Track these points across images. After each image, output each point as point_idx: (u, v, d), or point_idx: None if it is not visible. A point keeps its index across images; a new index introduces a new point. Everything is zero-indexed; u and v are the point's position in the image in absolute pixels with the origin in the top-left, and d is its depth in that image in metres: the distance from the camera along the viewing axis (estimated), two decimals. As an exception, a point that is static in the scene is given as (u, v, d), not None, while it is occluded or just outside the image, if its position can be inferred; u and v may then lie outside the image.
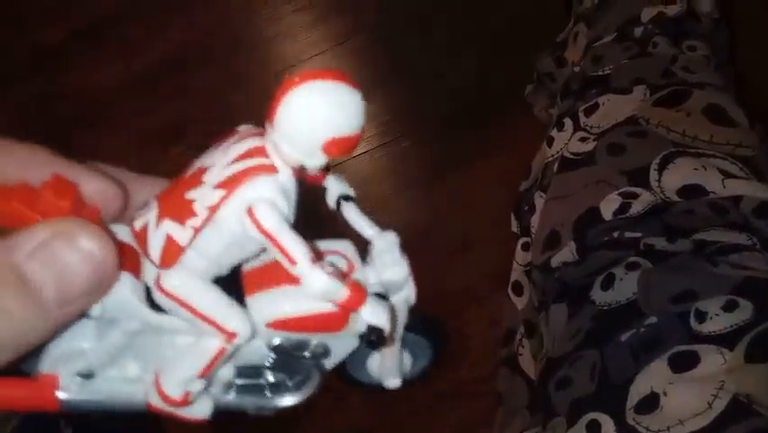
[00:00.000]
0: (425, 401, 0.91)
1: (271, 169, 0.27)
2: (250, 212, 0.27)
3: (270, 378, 0.33)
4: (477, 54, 1.17)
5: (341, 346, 0.32)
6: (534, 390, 0.78)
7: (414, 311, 0.34)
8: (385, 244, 0.34)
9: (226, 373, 0.32)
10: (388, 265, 0.33)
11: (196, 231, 0.28)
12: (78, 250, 0.25)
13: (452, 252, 1.00)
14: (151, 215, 0.29)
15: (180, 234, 0.28)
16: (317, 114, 0.26)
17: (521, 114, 1.06)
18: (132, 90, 1.29)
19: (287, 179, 0.28)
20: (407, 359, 0.37)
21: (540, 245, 0.76)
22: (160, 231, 0.28)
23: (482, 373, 0.88)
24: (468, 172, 1.06)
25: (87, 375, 0.31)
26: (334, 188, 0.34)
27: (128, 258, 0.29)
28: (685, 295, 0.60)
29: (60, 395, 0.30)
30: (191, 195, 0.28)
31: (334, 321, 0.30)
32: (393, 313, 0.31)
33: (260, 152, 0.28)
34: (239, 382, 0.32)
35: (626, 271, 0.65)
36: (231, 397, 0.32)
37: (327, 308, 0.30)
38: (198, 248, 0.28)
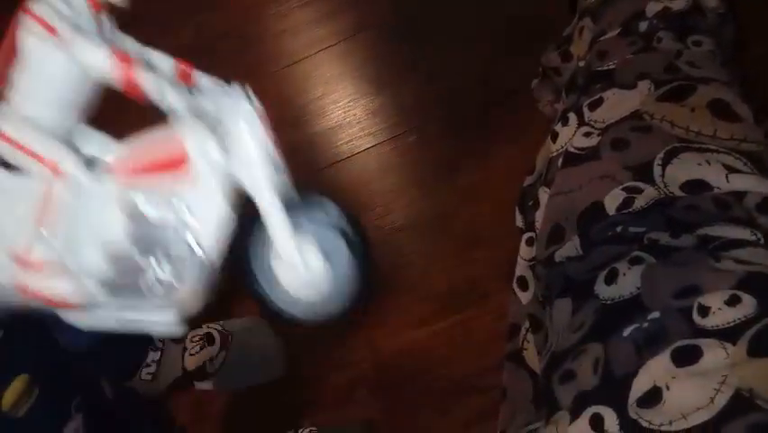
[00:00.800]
0: (430, 396, 0.91)
1: None
2: (27, 11, 0.28)
3: (145, 265, 0.30)
4: (484, 50, 1.17)
5: (203, 208, 0.30)
6: (538, 384, 0.78)
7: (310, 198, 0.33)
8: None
9: (94, 260, 0.30)
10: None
11: (10, 61, 0.29)
12: None
13: (457, 246, 1.01)
14: None
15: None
16: None
17: (527, 109, 1.06)
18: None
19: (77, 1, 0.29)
20: (320, 267, 0.34)
21: (544, 240, 0.76)
22: None
23: (487, 367, 0.88)
24: (474, 168, 1.06)
25: None
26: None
27: None
28: (688, 290, 0.60)
29: None
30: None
31: (173, 154, 0.30)
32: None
33: None
34: (113, 273, 0.30)
35: (630, 265, 0.66)
36: (111, 299, 0.31)
37: (162, 138, 0.30)
38: (18, 85, 0.29)
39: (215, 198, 0.31)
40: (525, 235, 0.87)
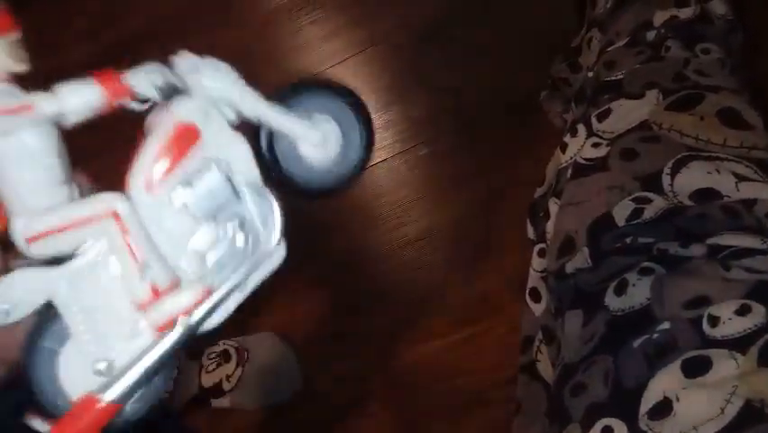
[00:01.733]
0: (443, 409, 0.91)
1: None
2: None
3: (229, 230, 0.34)
4: (494, 63, 1.17)
5: (229, 152, 0.34)
6: (552, 397, 0.78)
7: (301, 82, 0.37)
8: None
9: (192, 263, 0.33)
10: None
11: None
12: None
13: (470, 259, 1.01)
14: None
15: None
16: None
17: (538, 121, 1.07)
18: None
19: None
20: (330, 129, 0.38)
21: (555, 252, 0.76)
22: None
23: (501, 380, 0.88)
24: (485, 180, 1.06)
25: (107, 368, 0.32)
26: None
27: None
28: (698, 300, 0.60)
29: (105, 399, 0.32)
30: None
31: (184, 136, 0.32)
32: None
33: None
34: (213, 259, 0.33)
35: (640, 276, 0.65)
36: (225, 274, 0.34)
37: (168, 129, 0.32)
38: (11, 189, 0.30)
39: (231, 136, 0.34)
40: (537, 247, 0.87)
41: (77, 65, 1.39)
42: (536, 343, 0.84)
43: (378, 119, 1.19)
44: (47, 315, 0.31)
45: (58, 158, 0.31)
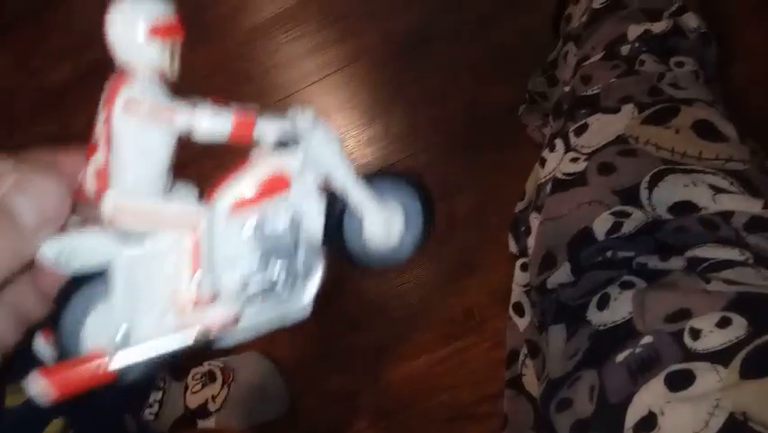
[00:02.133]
0: (431, 424, 0.91)
1: (127, 78, 0.33)
2: (127, 103, 0.32)
3: (275, 273, 0.37)
4: (472, 77, 1.18)
5: (307, 209, 0.37)
6: (539, 411, 0.78)
7: (384, 170, 0.40)
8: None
9: (231, 285, 0.36)
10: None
11: (107, 150, 0.32)
12: (48, 180, 0.31)
13: (453, 274, 1.01)
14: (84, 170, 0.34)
15: (99, 159, 0.33)
16: (121, 14, 0.32)
17: (516, 135, 1.07)
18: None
19: (148, 79, 0.33)
20: (398, 215, 0.41)
21: (536, 267, 0.77)
22: (89, 173, 0.33)
23: (487, 394, 0.89)
24: (466, 194, 1.07)
25: (125, 339, 0.34)
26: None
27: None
28: (679, 313, 0.60)
29: (112, 365, 0.34)
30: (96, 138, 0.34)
31: (277, 181, 0.36)
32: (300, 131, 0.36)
33: (119, 75, 0.33)
34: (249, 291, 0.36)
35: (621, 290, 0.66)
36: (252, 309, 0.37)
37: (266, 171, 0.35)
38: (120, 166, 0.33)
39: (315, 197, 0.37)
40: (519, 261, 0.88)
41: (59, 82, 1.39)
42: (522, 357, 0.84)
43: (358, 135, 1.20)
44: (95, 275, 0.34)
45: (168, 157, 0.34)
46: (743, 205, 0.67)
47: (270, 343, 0.98)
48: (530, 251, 0.81)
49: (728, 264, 0.64)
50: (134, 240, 0.33)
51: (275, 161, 0.36)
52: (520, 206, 0.91)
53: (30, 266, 0.33)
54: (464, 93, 1.17)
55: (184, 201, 0.34)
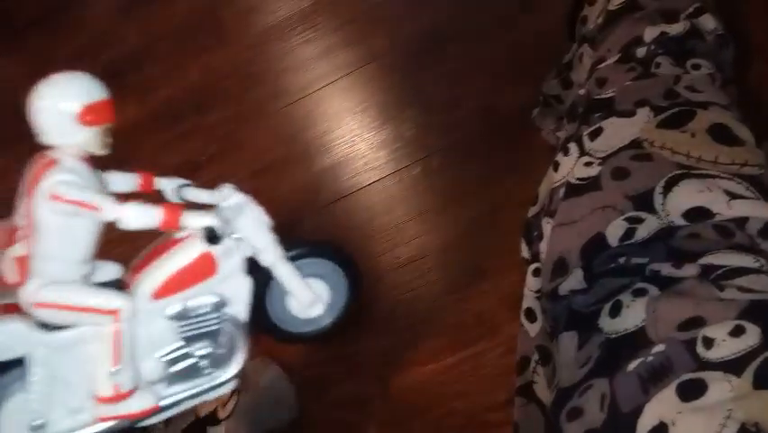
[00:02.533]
0: (441, 431, 0.91)
1: (52, 163, 0.33)
2: (52, 196, 0.32)
3: (199, 352, 0.37)
4: (484, 80, 1.17)
5: (233, 290, 0.37)
6: (550, 418, 0.77)
7: (307, 240, 0.42)
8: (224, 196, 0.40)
9: (154, 367, 0.35)
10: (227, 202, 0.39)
11: (29, 240, 0.32)
12: None
13: (464, 279, 1.00)
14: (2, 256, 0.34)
15: (19, 250, 0.33)
16: (51, 96, 0.32)
17: (530, 138, 1.06)
18: (150, 129, 1.31)
19: (73, 163, 0.33)
20: (323, 289, 0.43)
21: (548, 273, 0.76)
22: (8, 260, 0.34)
23: (498, 401, 0.88)
24: (480, 198, 1.06)
25: (40, 426, 0.33)
26: (167, 183, 0.41)
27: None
28: (692, 321, 0.59)
29: None
30: (17, 223, 0.34)
31: (203, 266, 0.36)
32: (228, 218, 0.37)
33: (44, 158, 0.33)
34: (173, 370, 0.36)
35: (634, 297, 0.65)
36: (175, 388, 0.36)
37: (190, 257, 0.35)
38: (42, 254, 0.32)
39: (242, 278, 0.38)
40: (532, 267, 0.87)
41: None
42: (533, 364, 0.83)
43: (371, 139, 1.19)
44: (12, 363, 0.33)
45: (93, 243, 0.34)
46: (758, 210, 0.66)
47: (280, 349, 0.97)
48: (542, 256, 0.80)
49: (742, 272, 0.62)
50: (54, 330, 0.33)
51: (201, 245, 0.36)
52: (533, 210, 0.90)
53: None
54: (478, 96, 1.16)
55: (105, 292, 0.34)
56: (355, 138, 1.20)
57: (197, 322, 0.36)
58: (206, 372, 0.37)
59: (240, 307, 0.38)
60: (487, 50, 1.19)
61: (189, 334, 0.36)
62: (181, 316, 0.35)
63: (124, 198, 0.36)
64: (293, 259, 0.40)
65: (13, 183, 1.23)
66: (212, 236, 0.35)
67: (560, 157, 0.83)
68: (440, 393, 0.93)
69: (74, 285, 0.33)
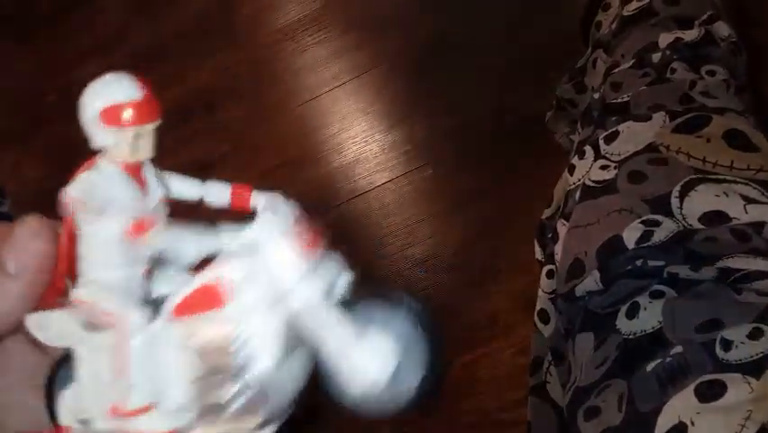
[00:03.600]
0: (454, 430, 0.91)
1: (89, 165, 0.31)
2: (74, 205, 0.31)
3: (226, 396, 0.31)
4: (497, 82, 1.18)
5: (252, 327, 0.30)
6: (563, 418, 0.78)
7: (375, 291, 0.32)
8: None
9: (180, 394, 0.32)
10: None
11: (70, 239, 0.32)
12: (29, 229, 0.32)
13: (477, 280, 1.01)
14: None
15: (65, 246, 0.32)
16: (85, 96, 0.31)
17: (542, 141, 1.07)
18: (162, 128, 1.32)
19: (107, 169, 0.31)
20: (388, 350, 0.31)
21: (564, 274, 0.76)
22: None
23: (511, 401, 0.88)
24: (491, 201, 1.07)
25: (84, 421, 0.33)
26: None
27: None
28: (710, 324, 0.60)
29: None
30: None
31: (214, 295, 0.30)
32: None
33: (88, 158, 0.31)
34: (200, 402, 0.32)
35: (651, 299, 0.66)
36: (201, 420, 0.32)
37: (201, 283, 0.31)
38: (86, 258, 0.31)
39: (261, 319, 0.31)
40: (545, 268, 0.87)
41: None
42: (546, 364, 0.84)
43: (382, 140, 1.20)
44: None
45: (123, 249, 0.32)
46: (774, 215, 0.67)
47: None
48: (557, 258, 0.81)
49: (760, 275, 0.63)
50: (94, 330, 0.31)
51: (213, 272, 0.31)
52: (547, 212, 0.91)
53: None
54: (491, 98, 1.17)
55: (126, 299, 0.31)
56: (367, 139, 1.20)
57: (216, 355, 0.31)
58: (228, 412, 0.32)
59: (262, 352, 0.31)
60: (500, 53, 1.20)
61: (209, 367, 0.31)
62: (201, 350, 0.31)
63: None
64: (346, 308, 0.32)
65: (25, 177, 1.23)
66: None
67: (575, 160, 0.83)
68: (453, 392, 0.94)
69: (99, 286, 0.32)
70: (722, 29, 0.87)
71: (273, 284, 0.30)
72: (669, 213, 0.70)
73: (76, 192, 0.31)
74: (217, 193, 0.36)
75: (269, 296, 0.30)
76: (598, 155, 0.80)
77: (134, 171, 0.32)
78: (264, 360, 0.31)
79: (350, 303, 0.32)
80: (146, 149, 0.32)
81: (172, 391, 0.32)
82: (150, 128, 0.32)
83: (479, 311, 0.97)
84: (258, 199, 0.35)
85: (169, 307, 0.31)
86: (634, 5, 0.92)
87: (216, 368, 0.31)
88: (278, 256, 0.30)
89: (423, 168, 1.14)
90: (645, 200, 0.72)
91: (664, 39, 0.86)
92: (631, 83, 0.85)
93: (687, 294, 0.64)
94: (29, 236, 0.32)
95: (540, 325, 0.87)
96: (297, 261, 0.30)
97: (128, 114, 0.31)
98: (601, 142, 0.81)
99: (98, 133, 0.31)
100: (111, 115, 0.31)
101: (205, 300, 0.31)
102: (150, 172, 0.33)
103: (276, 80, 1.34)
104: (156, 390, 0.31)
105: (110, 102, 0.31)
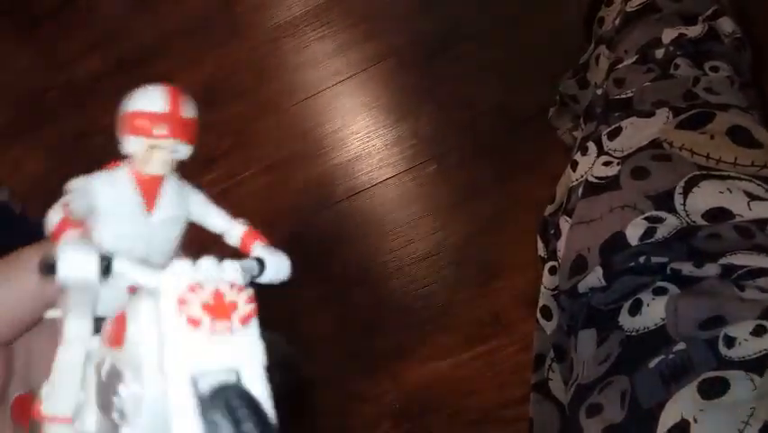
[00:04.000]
0: (456, 427, 0.91)
1: (110, 167, 0.30)
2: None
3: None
4: (500, 78, 1.18)
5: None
6: (565, 415, 0.78)
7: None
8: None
9: (93, 421, 0.30)
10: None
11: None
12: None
13: (479, 276, 1.01)
14: None
15: None
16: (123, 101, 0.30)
17: (545, 137, 1.07)
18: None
19: (117, 174, 0.30)
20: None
21: (566, 271, 0.76)
22: None
23: (513, 398, 0.88)
24: (495, 196, 1.06)
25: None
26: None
27: None
28: (713, 320, 0.60)
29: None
30: None
31: (121, 328, 0.28)
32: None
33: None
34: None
35: (654, 296, 0.65)
36: None
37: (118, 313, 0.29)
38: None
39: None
40: (548, 264, 0.87)
41: (88, 77, 1.40)
42: (548, 361, 0.84)
43: (386, 135, 1.20)
44: None
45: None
46: (778, 212, 0.67)
47: (296, 342, 0.98)
48: (559, 254, 0.81)
49: (763, 272, 0.63)
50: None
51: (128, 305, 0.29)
52: (550, 209, 0.91)
53: None
54: (494, 94, 1.16)
55: (83, 308, 0.30)
56: (370, 134, 1.20)
57: (107, 386, 0.29)
58: None
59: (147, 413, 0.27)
60: (503, 49, 1.20)
61: (104, 397, 0.29)
62: (101, 376, 0.29)
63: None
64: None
65: (28, 173, 1.23)
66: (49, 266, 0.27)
67: (578, 156, 0.83)
68: (455, 389, 0.94)
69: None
70: (726, 25, 0.86)
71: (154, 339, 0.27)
72: (672, 209, 0.70)
73: (74, 184, 0.31)
74: (233, 237, 0.34)
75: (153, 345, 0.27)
76: (601, 151, 0.80)
77: (147, 185, 0.31)
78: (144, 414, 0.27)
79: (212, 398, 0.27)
80: (159, 164, 0.30)
81: (87, 415, 0.30)
82: (166, 144, 0.31)
83: (481, 308, 0.97)
84: (256, 251, 0.33)
85: (104, 328, 0.29)
86: (637, 1, 0.92)
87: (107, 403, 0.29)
88: (163, 314, 0.27)
89: (427, 163, 1.14)
90: (649, 196, 0.72)
91: (668, 35, 0.85)
92: (634, 79, 0.85)
93: (690, 291, 0.64)
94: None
95: (542, 321, 0.87)
96: (174, 326, 0.27)
97: (142, 122, 0.30)
98: (604, 138, 0.80)
99: (122, 139, 0.31)
100: (128, 122, 0.31)
101: (115, 333, 0.29)
102: (170, 192, 0.32)
103: (278, 75, 1.33)
104: (76, 406, 0.30)
105: (132, 109, 0.30)
